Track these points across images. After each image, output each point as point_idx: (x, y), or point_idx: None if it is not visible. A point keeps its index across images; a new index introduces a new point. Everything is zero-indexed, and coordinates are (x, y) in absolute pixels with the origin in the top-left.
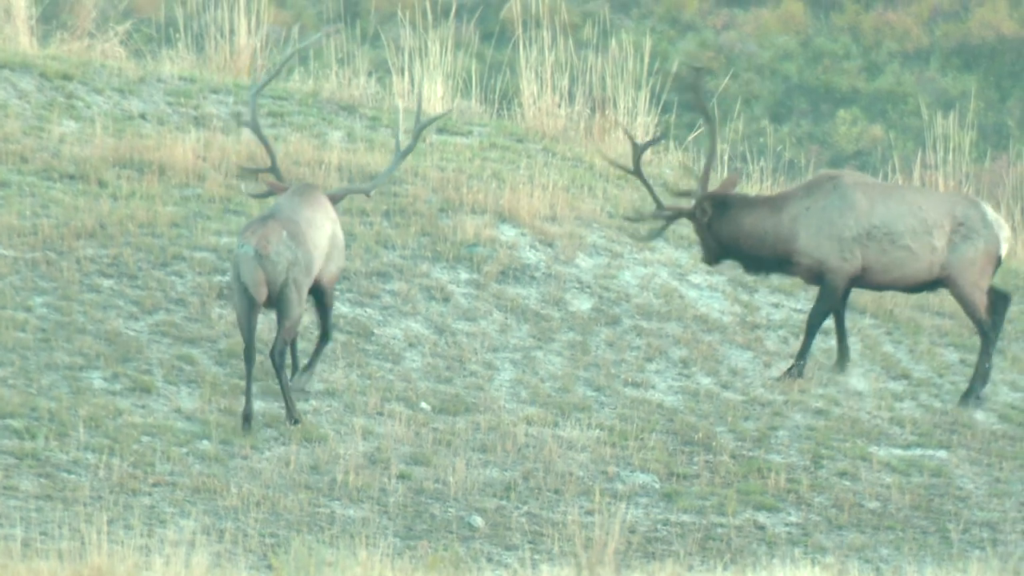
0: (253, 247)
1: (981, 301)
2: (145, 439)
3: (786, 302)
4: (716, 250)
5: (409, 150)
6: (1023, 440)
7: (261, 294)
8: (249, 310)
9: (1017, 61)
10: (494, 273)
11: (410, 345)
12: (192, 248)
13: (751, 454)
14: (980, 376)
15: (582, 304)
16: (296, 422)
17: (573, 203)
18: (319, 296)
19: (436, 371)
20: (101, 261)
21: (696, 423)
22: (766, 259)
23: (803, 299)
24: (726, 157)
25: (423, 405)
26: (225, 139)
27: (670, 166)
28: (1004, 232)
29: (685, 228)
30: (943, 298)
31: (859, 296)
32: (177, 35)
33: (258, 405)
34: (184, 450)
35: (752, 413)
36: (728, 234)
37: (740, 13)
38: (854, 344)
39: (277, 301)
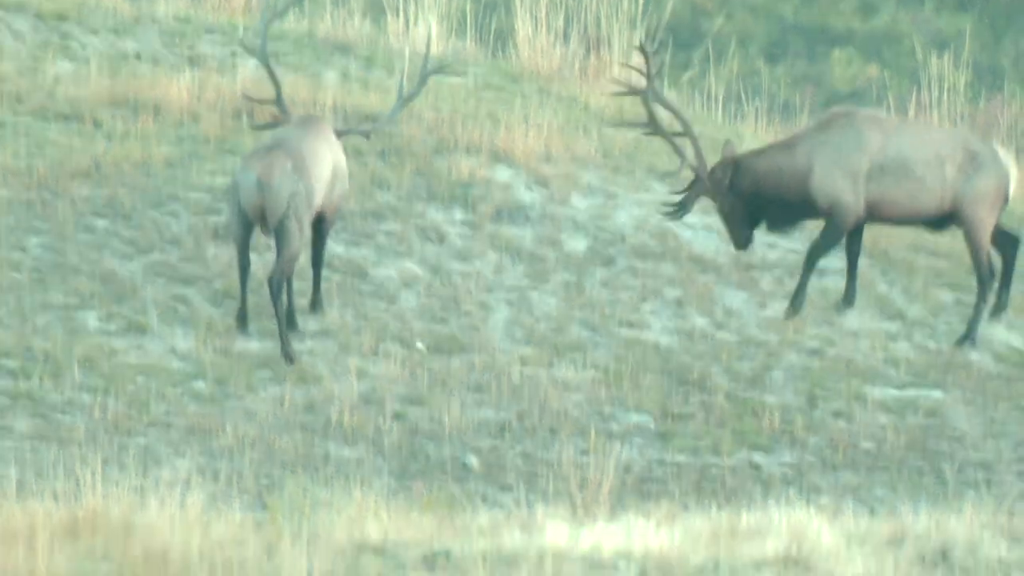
0: (256, 175)
1: (985, 241)
2: (140, 379)
3: (781, 242)
4: (742, 217)
5: (413, 96)
6: (1018, 381)
7: (260, 221)
8: (246, 234)
9: (1012, 2)
10: (489, 213)
11: (405, 285)
12: (187, 188)
13: (746, 394)
14: (974, 323)
15: (577, 244)
16: (291, 359)
17: (568, 143)
18: (319, 225)
19: (431, 311)
20: (96, 201)
21: (691, 363)
22: (789, 202)
23: (798, 239)
24: (721, 97)
25: (418, 345)
26: (220, 79)
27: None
28: (1013, 170)
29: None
30: (938, 238)
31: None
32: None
33: (253, 344)
34: (179, 390)
35: (747, 353)
36: (748, 185)
37: None
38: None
39: (277, 231)
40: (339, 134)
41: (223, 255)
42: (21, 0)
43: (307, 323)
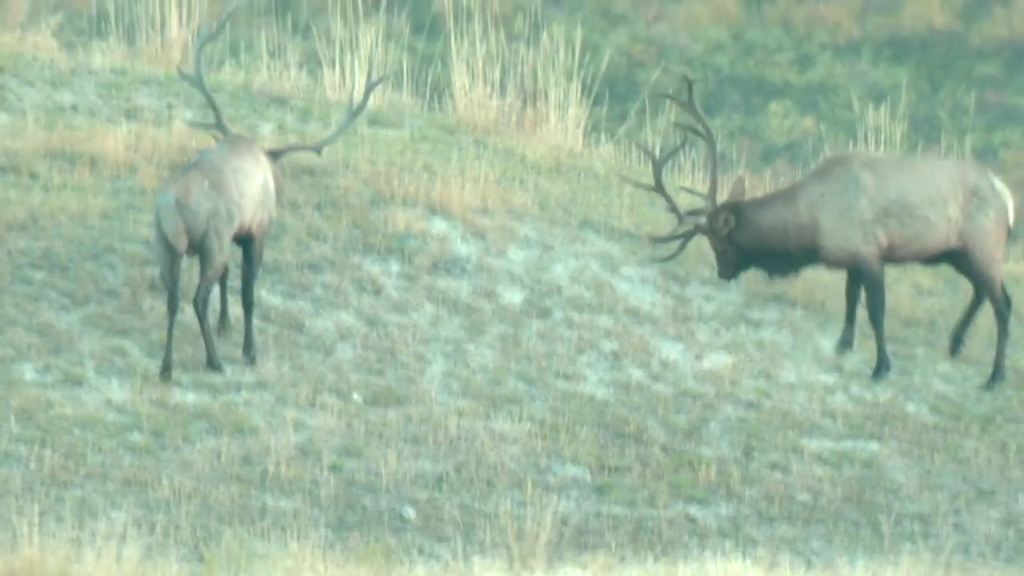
0: (174, 196)
1: (997, 274)
2: (76, 431)
3: (717, 294)
4: (736, 261)
5: (360, 109)
6: (954, 432)
7: (181, 243)
8: (171, 259)
9: (948, 53)
10: (426, 265)
11: (342, 337)
12: (123, 240)
13: (682, 447)
14: (999, 361)
15: (514, 296)
16: (218, 368)
17: (504, 195)
18: (248, 244)
19: (368, 363)
20: (32, 253)
21: (627, 416)
22: (792, 254)
23: (733, 291)
24: (658, 149)
25: (355, 397)
26: (157, 131)
27: (601, 159)
28: (1011, 202)
29: (615, 219)
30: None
31: (790, 287)
32: (108, 27)
33: (189, 396)
34: (115, 442)
35: (683, 406)
36: (749, 238)
37: (672, 5)
38: (784, 336)
39: (199, 250)
40: (277, 154)
41: (159, 306)
42: None
43: (243, 375)
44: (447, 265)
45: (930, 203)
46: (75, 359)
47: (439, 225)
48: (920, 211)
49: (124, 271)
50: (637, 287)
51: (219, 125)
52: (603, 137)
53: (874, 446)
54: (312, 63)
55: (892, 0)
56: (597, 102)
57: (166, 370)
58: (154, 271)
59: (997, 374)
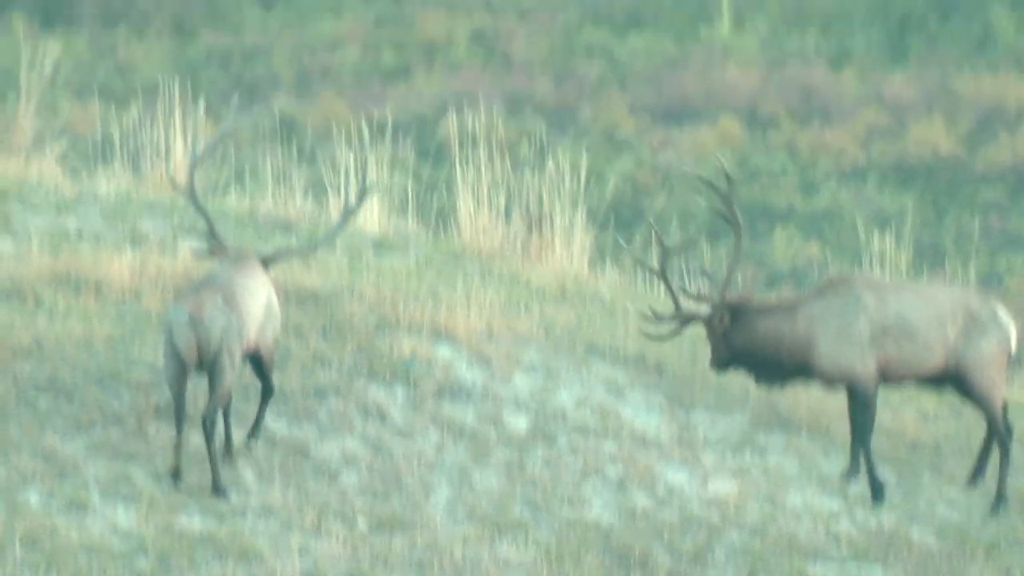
0: (187, 312)
1: (999, 399)
2: (82, 557)
3: (722, 419)
4: (727, 357)
5: (354, 211)
6: (959, 557)
7: (193, 359)
8: (181, 374)
9: (953, 179)
10: (431, 391)
11: (347, 463)
12: (129, 366)
13: (688, 572)
14: (1002, 487)
15: (519, 422)
16: (223, 493)
17: (510, 321)
18: (257, 363)
19: (373, 489)
20: (38, 378)
21: (632, 542)
22: (784, 366)
23: (739, 416)
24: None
25: (360, 523)
26: (162, 257)
27: (607, 285)
28: (1013, 329)
29: (620, 345)
30: (880, 415)
31: (795, 411)
32: (113, 153)
33: (195, 522)
34: (121, 567)
35: (689, 531)
36: (743, 342)
37: (676, 131)
38: (790, 461)
39: (210, 367)
40: (271, 260)
41: (165, 432)
42: None
43: (249, 500)
44: (452, 391)
45: (928, 326)
46: (80, 484)
47: (444, 351)
48: (918, 333)
49: (129, 397)
50: (642, 412)
51: (212, 234)
52: (608, 263)
53: (879, 571)
54: (317, 189)
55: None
56: (602, 228)
57: (176, 476)
58: (160, 397)
59: (1000, 500)
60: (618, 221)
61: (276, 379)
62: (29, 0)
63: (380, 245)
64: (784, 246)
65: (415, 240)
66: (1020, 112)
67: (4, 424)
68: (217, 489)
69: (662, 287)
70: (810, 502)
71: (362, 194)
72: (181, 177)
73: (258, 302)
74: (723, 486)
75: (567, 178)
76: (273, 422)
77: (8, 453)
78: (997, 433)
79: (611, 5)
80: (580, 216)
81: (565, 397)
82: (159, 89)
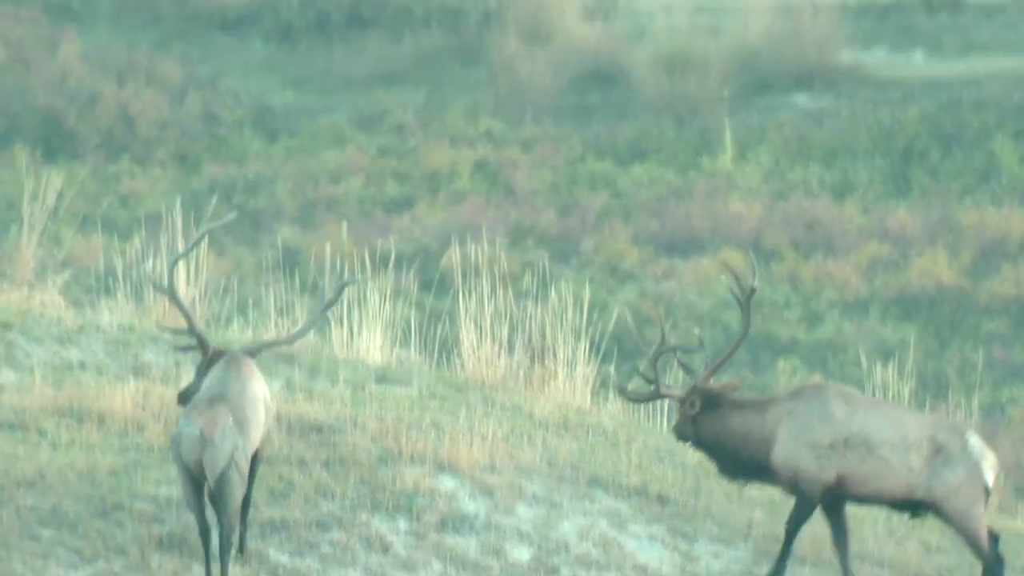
0: (200, 429)
1: (978, 529)
2: None
3: (726, 551)
4: (690, 435)
5: (331, 304)
6: None
7: (199, 474)
8: (195, 488)
9: (956, 310)
10: (433, 523)
11: None
12: (132, 497)
13: None
14: None
15: (521, 554)
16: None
17: (513, 452)
18: (252, 463)
19: None
20: (41, 510)
21: None
22: (745, 462)
23: (741, 548)
24: (665, 407)
25: None
26: (165, 388)
27: (610, 416)
28: (988, 461)
29: (623, 476)
30: (882, 547)
31: (797, 544)
32: (116, 284)
33: None
34: None
35: None
36: (711, 431)
37: (680, 263)
38: None
39: (218, 484)
40: (254, 353)
41: (168, 564)
42: None
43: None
44: (455, 523)
45: (891, 446)
46: None
47: (447, 482)
48: (879, 451)
49: (133, 528)
50: (645, 545)
51: (191, 330)
52: (611, 394)
53: None
54: (320, 320)
55: (899, 257)
56: (605, 359)
57: None
58: (163, 529)
59: None
60: (621, 352)
61: (277, 512)
62: (31, 131)
63: (383, 376)
64: (787, 377)
65: (418, 371)
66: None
67: (7, 556)
68: None
69: (663, 421)
70: None
71: (338, 289)
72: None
73: (262, 408)
74: None
75: (570, 309)
76: (276, 553)
77: None
78: (984, 563)
79: (614, 136)
80: (583, 347)
81: (568, 528)
82: (162, 220)
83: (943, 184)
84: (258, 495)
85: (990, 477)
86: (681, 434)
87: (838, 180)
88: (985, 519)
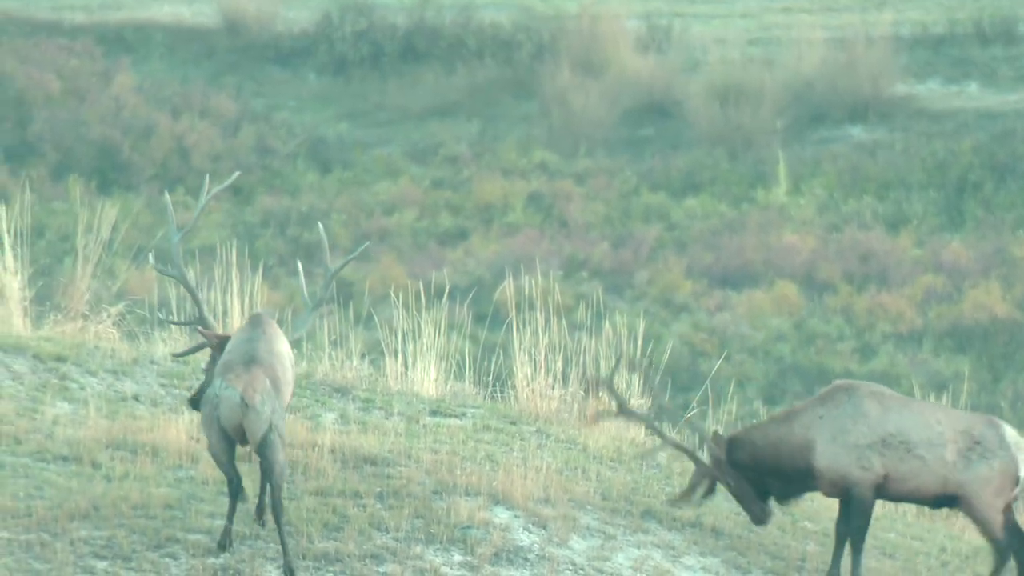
0: (240, 393)
1: (997, 520)
2: None
3: None
4: (748, 490)
5: (321, 302)
6: None
7: (239, 438)
8: (229, 448)
9: (1010, 343)
10: (487, 555)
11: None
12: (186, 531)
13: None
14: None
15: None
16: (293, 574)
17: (567, 485)
18: None
19: None
20: (95, 543)
21: None
22: (787, 475)
23: None
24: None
25: None
26: None
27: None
28: (1022, 453)
29: (678, 510)
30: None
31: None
32: (170, 316)
33: None
34: None
35: None
36: (745, 459)
37: (733, 295)
38: None
39: (260, 448)
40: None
41: None
42: (20, 342)
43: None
44: (509, 555)
45: (928, 444)
46: None
47: (501, 515)
48: (917, 450)
49: (187, 561)
50: (699, 575)
51: (200, 318)
52: (666, 427)
53: None
54: (375, 353)
55: (953, 290)
56: (660, 391)
57: (224, 547)
58: (217, 562)
59: None
60: (675, 384)
61: (332, 545)
62: (86, 163)
63: (437, 409)
64: None
65: (472, 403)
66: None
67: None
68: (288, 571)
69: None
70: None
71: (328, 281)
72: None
73: (289, 366)
74: None
75: (624, 342)
76: None
77: None
78: (999, 551)
79: (667, 168)
80: (636, 381)
81: (622, 560)
82: (216, 252)
83: (997, 216)
84: (312, 528)
85: (1022, 470)
86: (750, 506)
87: (892, 212)
88: (1003, 512)
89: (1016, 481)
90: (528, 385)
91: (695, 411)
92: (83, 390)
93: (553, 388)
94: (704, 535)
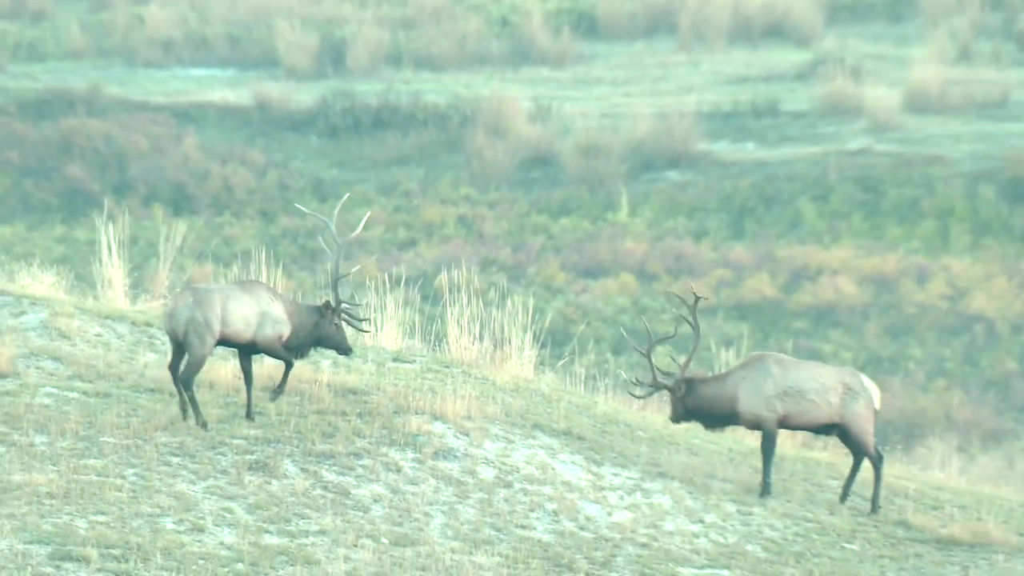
0: (169, 306)
1: (870, 441)
2: (201, 562)
3: (622, 472)
4: (683, 414)
5: (339, 277)
6: (779, 563)
7: (173, 338)
8: (176, 349)
9: (775, 314)
10: (430, 453)
11: (375, 501)
12: (232, 437)
13: (599, 574)
14: (876, 497)
15: (488, 474)
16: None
17: (482, 407)
18: (261, 350)
19: (392, 518)
20: (171, 446)
21: (563, 553)
22: (720, 417)
23: (634, 469)
24: (583, 377)
25: (383, 540)
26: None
27: (546, 383)
28: (876, 393)
29: (555, 423)
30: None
31: (670, 467)
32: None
33: (275, 539)
34: (226, 571)
35: (599, 546)
36: (694, 404)
37: (592, 283)
38: (667, 499)
39: (183, 345)
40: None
41: (255, 480)
42: (122, 313)
43: (310, 525)
44: (444, 454)
45: (816, 391)
46: (199, 515)
47: (439, 427)
48: (809, 395)
49: (232, 457)
50: (569, 467)
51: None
52: (546, 369)
53: (727, 574)
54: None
55: (736, 279)
56: (543, 346)
57: (186, 417)
58: (251, 457)
59: (875, 505)
60: (553, 342)
61: (327, 445)
62: (165, 196)
63: (397, 357)
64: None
65: (420, 354)
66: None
67: (150, 476)
68: (194, 418)
69: (581, 386)
70: (680, 527)
71: (336, 273)
72: None
73: (246, 308)
74: (622, 516)
75: (520, 313)
76: (326, 473)
77: (152, 495)
78: (872, 462)
79: (549, 199)
80: (528, 339)
81: (518, 457)
82: (251, 255)
83: (766, 230)
84: (314, 435)
85: (877, 403)
86: (676, 418)
87: (696, 228)
88: (872, 434)
89: (875, 412)
90: (457, 341)
91: (566, 359)
92: (163, 345)
93: (473, 343)
94: (572, 440)
